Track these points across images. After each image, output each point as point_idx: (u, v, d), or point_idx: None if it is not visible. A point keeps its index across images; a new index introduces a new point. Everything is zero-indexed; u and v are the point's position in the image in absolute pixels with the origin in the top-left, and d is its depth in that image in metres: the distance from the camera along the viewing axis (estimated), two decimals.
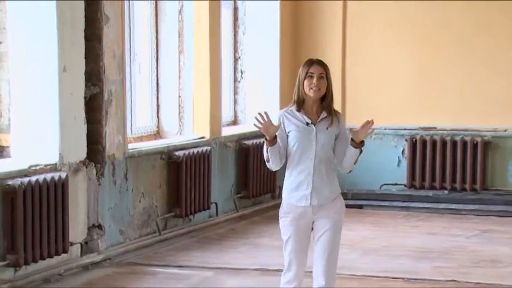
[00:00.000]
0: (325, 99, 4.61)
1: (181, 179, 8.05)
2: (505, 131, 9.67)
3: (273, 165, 4.62)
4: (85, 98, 6.93)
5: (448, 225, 8.79)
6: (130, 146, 7.62)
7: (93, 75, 6.98)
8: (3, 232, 6.09)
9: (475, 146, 9.66)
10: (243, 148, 9.23)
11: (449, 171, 9.73)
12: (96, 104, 7.02)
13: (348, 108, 9.87)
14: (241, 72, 10.01)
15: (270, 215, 9.26)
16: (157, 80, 8.59)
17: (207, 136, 8.68)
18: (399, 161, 9.94)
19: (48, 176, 6.38)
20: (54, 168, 6.56)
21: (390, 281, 6.53)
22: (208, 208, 8.55)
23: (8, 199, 6.07)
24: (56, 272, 6.53)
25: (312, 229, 4.63)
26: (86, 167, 6.94)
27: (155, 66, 8.57)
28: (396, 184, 9.93)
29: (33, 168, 6.41)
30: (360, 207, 9.41)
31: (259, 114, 4.55)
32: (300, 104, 4.64)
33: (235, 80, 9.99)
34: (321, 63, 4.60)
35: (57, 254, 6.47)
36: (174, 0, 8.61)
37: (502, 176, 9.70)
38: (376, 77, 9.97)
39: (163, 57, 8.62)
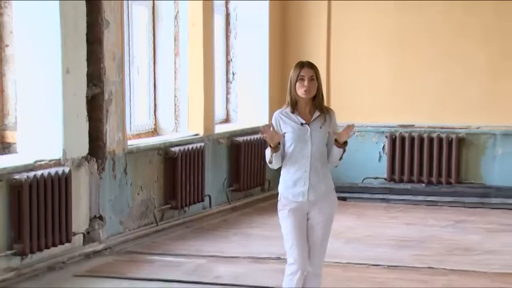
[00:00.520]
0: (316, 99, 4.59)
1: (177, 173, 8.04)
2: (478, 128, 9.69)
3: (275, 166, 4.63)
4: (87, 97, 6.91)
5: (425, 216, 8.80)
6: (129, 142, 7.61)
7: (95, 76, 6.96)
8: (10, 223, 6.08)
9: (450, 142, 9.68)
10: (235, 144, 9.22)
11: (426, 166, 9.74)
12: (97, 103, 7.01)
13: (332, 107, 9.77)
14: (233, 74, 10.01)
15: (260, 206, 9.28)
16: (154, 81, 8.57)
17: (201, 133, 8.67)
18: (380, 157, 9.95)
19: (53, 170, 6.37)
20: (58, 163, 6.54)
21: (372, 268, 6.54)
22: (202, 200, 8.55)
23: (14, 192, 6.05)
24: (59, 260, 6.52)
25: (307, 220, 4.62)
26: (88, 162, 6.93)
27: (152, 67, 8.55)
28: (377, 178, 9.94)
29: (38, 163, 6.39)
30: (344, 199, 9.41)
31: (265, 126, 4.50)
32: (294, 106, 4.60)
33: (227, 80, 9.98)
34: (311, 66, 4.58)
35: (61, 243, 6.46)
36: (170, 7, 8.60)
37: (475, 170, 9.72)
38: (359, 78, 9.97)
39: (160, 60, 8.61)
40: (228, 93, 10.00)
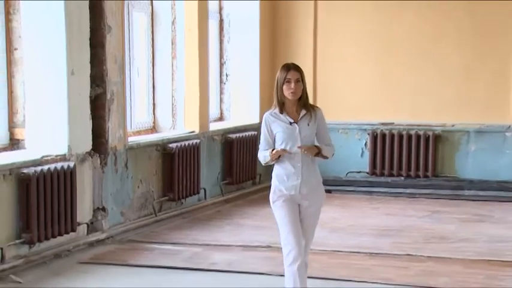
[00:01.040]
0: (301, 99, 4.57)
1: (174, 168, 8.03)
2: (453, 125, 9.72)
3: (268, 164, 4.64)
4: (90, 97, 6.90)
5: (404, 207, 8.82)
6: (130, 139, 7.60)
7: (98, 77, 6.95)
8: (19, 214, 6.07)
9: (427, 139, 9.70)
10: (228, 141, 9.22)
11: (405, 161, 9.76)
12: (100, 102, 7.00)
13: (318, 106, 9.83)
14: (226, 75, 10.00)
15: (252, 199, 9.28)
16: (153, 82, 8.56)
17: (197, 130, 8.66)
18: (362, 152, 9.96)
19: (58, 165, 6.36)
20: (63, 158, 6.53)
21: (355, 255, 6.55)
22: (198, 193, 8.54)
23: (23, 185, 6.04)
24: (65, 248, 6.52)
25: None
26: (91, 157, 6.92)
27: (151, 69, 8.54)
28: (360, 172, 9.96)
29: (45, 158, 6.38)
30: (329, 191, 9.38)
31: (279, 151, 4.49)
32: (281, 106, 4.57)
33: (221, 81, 9.98)
34: (297, 68, 4.55)
35: (66, 232, 6.45)
36: (167, 13, 8.60)
37: (450, 165, 9.75)
38: (343, 79, 9.98)
39: (159, 62, 8.59)
40: (221, 93, 10.00)
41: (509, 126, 9.49)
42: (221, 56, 9.96)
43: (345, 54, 9.99)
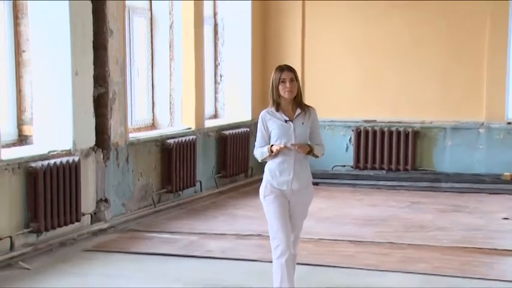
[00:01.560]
0: (296, 98, 4.50)
1: (172, 162, 8.02)
2: (431, 123, 9.74)
3: (262, 160, 4.58)
4: (93, 96, 6.88)
5: (385, 198, 8.83)
6: (130, 135, 7.58)
7: (100, 78, 6.93)
8: (28, 205, 6.05)
9: (407, 135, 9.72)
10: (222, 137, 9.21)
11: (386, 155, 9.78)
12: (102, 101, 6.98)
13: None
14: (221, 76, 9.99)
15: (244, 191, 9.29)
16: (152, 82, 8.54)
17: (193, 127, 8.65)
18: (347, 147, 9.97)
19: (64, 159, 6.35)
20: (68, 153, 6.52)
21: (340, 243, 6.56)
22: (194, 185, 8.54)
23: (31, 178, 6.02)
24: (70, 237, 6.51)
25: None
26: (95, 152, 6.90)
27: (151, 70, 8.52)
28: (345, 166, 9.97)
29: (52, 153, 6.37)
30: (316, 184, 9.37)
31: (281, 147, 4.42)
32: (278, 105, 4.49)
33: (215, 82, 9.97)
34: (290, 69, 4.49)
35: (71, 222, 6.44)
36: (166, 18, 8.58)
37: (428, 159, 9.77)
38: (329, 79, 9.98)
39: (157, 64, 8.58)
40: (216, 92, 9.99)
41: (483, 124, 9.52)
42: (216, 58, 9.95)
43: (331, 56, 9.99)
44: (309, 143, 4.56)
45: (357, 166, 9.90)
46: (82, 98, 6.70)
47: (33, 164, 6.04)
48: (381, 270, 5.68)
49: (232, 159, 9.30)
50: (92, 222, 6.87)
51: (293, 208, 4.53)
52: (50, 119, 6.57)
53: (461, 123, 9.59)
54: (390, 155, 9.77)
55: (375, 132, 9.82)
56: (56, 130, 6.56)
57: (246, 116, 9.81)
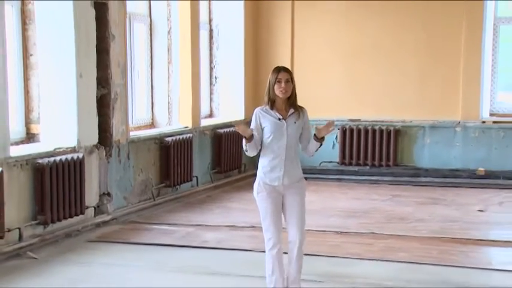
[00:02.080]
0: (291, 98, 4.45)
1: (170, 158, 8.02)
2: (411, 122, 9.77)
3: (250, 154, 4.47)
4: (97, 97, 6.87)
5: (368, 192, 8.86)
6: (131, 133, 7.57)
7: (103, 80, 6.92)
8: (35, 198, 6.04)
9: (389, 133, 9.74)
10: (217, 135, 9.21)
11: (370, 152, 9.81)
12: (105, 101, 6.97)
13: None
14: (215, 78, 9.99)
15: (238, 185, 9.30)
16: (151, 84, 8.53)
17: (190, 126, 8.65)
18: (334, 144, 9.98)
19: (69, 156, 6.33)
20: (73, 150, 6.50)
21: (327, 234, 6.58)
22: (191, 180, 8.53)
23: (38, 174, 6.01)
24: (75, 228, 6.50)
25: (283, 202, 4.49)
26: (98, 149, 6.89)
27: (150, 73, 8.51)
28: (331, 162, 9.99)
29: (57, 150, 6.35)
30: (305, 179, 9.40)
31: (238, 121, 4.37)
32: (272, 104, 4.44)
33: (210, 83, 9.96)
34: (287, 70, 4.45)
35: (76, 215, 6.43)
36: (164, 24, 8.56)
37: (408, 155, 9.80)
38: (317, 81, 9.98)
39: (156, 66, 8.57)
40: (211, 93, 9.98)
41: (459, 123, 9.56)
42: (211, 61, 9.94)
43: (318, 60, 10.00)
44: (300, 141, 4.52)
45: (342, 162, 9.91)
46: (86, 99, 6.68)
47: (40, 161, 6.02)
48: (364, 259, 5.70)
49: (226, 156, 9.30)
50: (95, 215, 6.85)
51: (287, 202, 4.49)
52: (56, 118, 6.55)
53: (439, 122, 9.63)
54: (373, 152, 9.79)
55: (359, 131, 9.84)
56: (61, 128, 6.54)
57: (239, 115, 9.81)
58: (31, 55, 6.57)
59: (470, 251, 5.92)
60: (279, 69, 4.45)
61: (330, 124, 4.44)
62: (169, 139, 8.02)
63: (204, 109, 9.63)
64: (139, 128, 8.20)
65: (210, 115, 9.95)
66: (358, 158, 9.85)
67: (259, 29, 10.22)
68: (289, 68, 9.86)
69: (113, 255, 5.87)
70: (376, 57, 9.81)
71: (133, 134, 7.67)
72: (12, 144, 5.99)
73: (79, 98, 6.56)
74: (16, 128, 6.43)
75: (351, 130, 9.86)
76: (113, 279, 5.15)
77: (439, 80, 9.62)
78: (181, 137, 8.25)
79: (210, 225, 6.91)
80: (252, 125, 4.52)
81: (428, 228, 6.75)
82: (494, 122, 9.45)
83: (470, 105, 9.48)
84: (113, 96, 7.03)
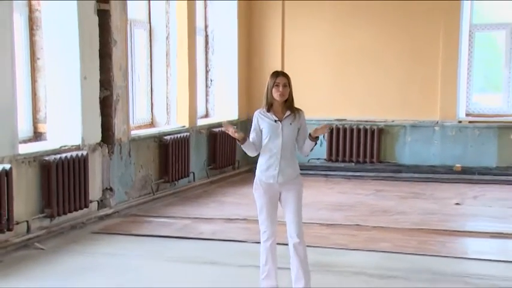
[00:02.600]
0: (287, 101, 4.43)
1: (169, 156, 8.02)
2: (393, 121, 9.81)
3: (250, 154, 4.46)
4: (100, 98, 6.86)
5: (354, 187, 8.88)
6: (132, 132, 7.57)
7: (105, 82, 6.91)
8: (42, 193, 6.04)
9: (372, 132, 9.78)
10: (212, 134, 9.22)
11: (355, 149, 9.83)
12: (107, 102, 6.96)
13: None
14: (211, 80, 9.99)
15: (232, 180, 9.30)
16: (151, 86, 8.53)
17: (187, 125, 8.65)
18: (321, 142, 9.99)
19: (74, 153, 6.33)
20: (78, 148, 6.50)
21: (315, 226, 6.58)
22: (188, 176, 8.54)
23: (45, 170, 6.01)
24: (80, 221, 6.50)
25: (280, 199, 4.46)
26: (101, 147, 6.89)
27: (150, 76, 8.50)
28: (319, 159, 10.01)
29: (63, 148, 6.35)
30: None
31: (225, 122, 4.35)
32: (270, 106, 4.41)
33: (206, 86, 9.96)
34: (284, 75, 4.42)
35: (81, 208, 6.43)
36: (163, 30, 8.56)
37: (390, 153, 9.84)
38: (305, 82, 9.98)
39: (156, 70, 8.56)
40: (207, 95, 9.98)
41: (437, 122, 9.61)
42: (206, 65, 9.94)
43: (307, 63, 10.02)
44: (296, 141, 4.49)
45: (329, 159, 9.94)
46: (90, 100, 6.68)
47: (46, 158, 6.02)
48: (349, 249, 5.72)
49: (221, 153, 9.31)
50: (98, 208, 6.86)
51: (284, 198, 4.46)
52: (62, 118, 6.54)
53: (419, 122, 9.67)
54: (358, 150, 9.82)
55: (345, 130, 9.87)
56: (66, 128, 6.54)
57: (233, 115, 9.82)
58: (38, 59, 6.56)
59: (447, 241, 5.96)
60: (278, 74, 4.43)
61: (325, 126, 4.45)
62: (167, 138, 8.02)
63: (200, 110, 9.63)
64: (139, 127, 8.20)
65: (206, 115, 9.95)
66: (344, 155, 9.88)
67: (251, 35, 10.24)
68: (280, 69, 9.96)
69: (115, 245, 5.87)
70: (361, 60, 9.84)
71: (134, 133, 7.66)
72: (20, 143, 5.99)
73: (83, 99, 6.56)
74: (24, 127, 6.42)
75: (338, 129, 9.88)
76: (115, 268, 5.16)
77: (419, 82, 9.66)
78: (179, 135, 8.25)
79: (206, 218, 6.92)
80: (252, 126, 4.50)
81: (409, 221, 6.78)
82: (470, 122, 9.51)
83: (448, 106, 9.53)
84: (115, 97, 7.03)
